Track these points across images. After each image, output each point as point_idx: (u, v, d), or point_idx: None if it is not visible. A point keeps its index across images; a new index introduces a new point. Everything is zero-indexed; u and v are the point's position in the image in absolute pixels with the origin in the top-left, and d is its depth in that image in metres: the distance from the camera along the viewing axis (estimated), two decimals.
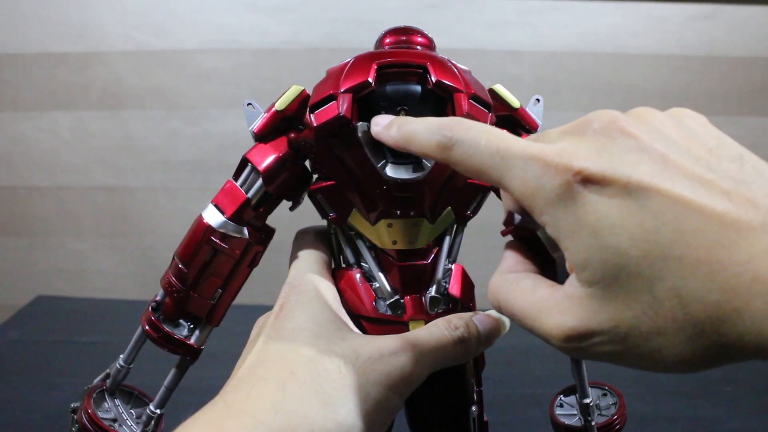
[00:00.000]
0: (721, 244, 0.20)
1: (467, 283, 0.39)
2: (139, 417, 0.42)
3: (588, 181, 0.23)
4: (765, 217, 0.20)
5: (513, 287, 0.28)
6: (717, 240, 0.21)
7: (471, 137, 0.26)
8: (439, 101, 0.34)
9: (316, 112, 0.34)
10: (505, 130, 0.27)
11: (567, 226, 0.23)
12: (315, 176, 0.39)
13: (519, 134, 0.39)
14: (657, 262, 0.21)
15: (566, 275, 0.25)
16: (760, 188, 0.21)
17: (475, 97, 0.35)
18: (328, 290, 0.36)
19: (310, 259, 0.38)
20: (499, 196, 0.40)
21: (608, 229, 0.22)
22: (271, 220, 0.40)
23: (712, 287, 0.20)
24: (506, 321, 0.37)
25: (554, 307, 0.25)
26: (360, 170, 0.35)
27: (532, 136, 0.31)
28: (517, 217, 0.31)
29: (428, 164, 0.34)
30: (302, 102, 0.37)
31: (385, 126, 0.31)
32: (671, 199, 0.21)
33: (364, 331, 0.37)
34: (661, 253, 0.21)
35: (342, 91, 0.34)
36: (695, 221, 0.21)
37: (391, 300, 0.37)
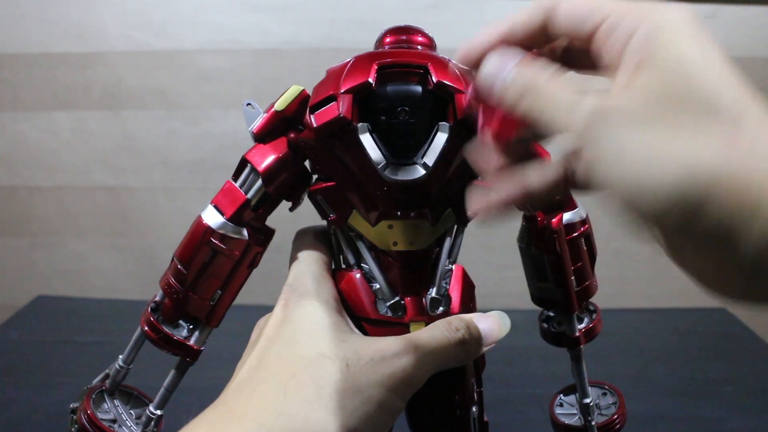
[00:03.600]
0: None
1: (468, 284, 0.39)
2: (138, 417, 0.42)
3: None
4: None
5: (544, 74, 0.27)
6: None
7: None
8: (439, 102, 0.34)
9: (316, 112, 0.34)
10: None
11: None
12: (315, 177, 0.39)
13: None
14: (720, 100, 0.22)
15: None
16: None
17: None
18: (329, 291, 0.36)
19: (310, 260, 0.38)
20: None
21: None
22: (271, 221, 0.40)
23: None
24: (507, 322, 0.37)
25: (598, 95, 0.24)
26: (360, 171, 0.35)
27: None
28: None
29: (429, 165, 0.34)
30: (302, 102, 0.37)
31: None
32: None
33: (365, 332, 0.37)
34: (722, 95, 0.22)
35: (342, 91, 0.33)
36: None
37: (392, 301, 0.37)
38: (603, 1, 0.26)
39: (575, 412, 0.46)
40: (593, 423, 0.45)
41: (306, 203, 0.40)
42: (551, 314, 0.45)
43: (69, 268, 1.07)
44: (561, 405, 0.47)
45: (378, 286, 0.37)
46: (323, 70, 0.37)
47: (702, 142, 0.22)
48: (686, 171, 0.21)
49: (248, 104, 0.38)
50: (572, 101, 0.25)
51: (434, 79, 0.33)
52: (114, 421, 0.41)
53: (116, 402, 0.42)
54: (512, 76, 0.27)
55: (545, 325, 0.45)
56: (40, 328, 0.91)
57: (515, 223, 0.42)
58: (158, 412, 0.41)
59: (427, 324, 0.36)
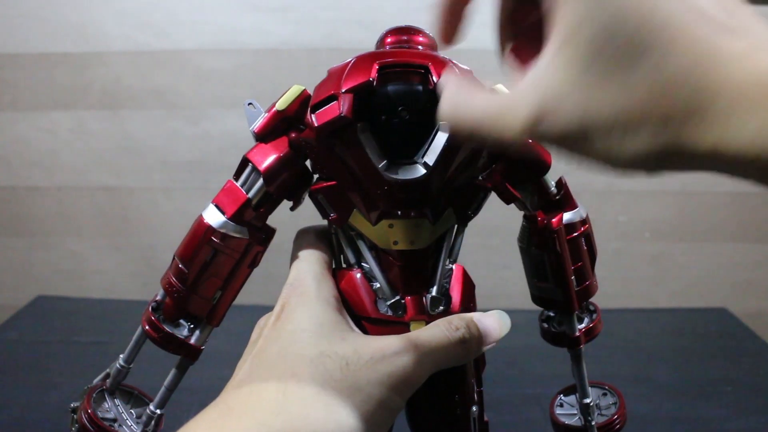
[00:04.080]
0: (710, 40, 0.21)
1: (468, 284, 0.39)
2: (139, 417, 0.42)
3: None
4: (751, 41, 0.22)
5: (473, 92, 0.27)
6: (708, 35, 0.21)
7: None
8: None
9: (317, 112, 0.34)
10: None
11: None
12: (316, 176, 0.39)
13: None
14: (651, 34, 0.22)
15: None
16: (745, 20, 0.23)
17: None
18: (329, 291, 0.36)
19: (311, 259, 0.38)
20: (500, 196, 0.40)
21: None
22: (272, 220, 0.40)
23: (694, 70, 0.21)
24: (507, 321, 0.37)
25: (528, 87, 0.24)
26: (361, 170, 0.35)
27: None
28: None
29: (429, 164, 0.34)
30: (303, 102, 0.37)
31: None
32: None
33: (365, 331, 0.37)
34: (655, 28, 0.22)
35: (343, 91, 0.33)
36: (692, 16, 0.22)
37: (392, 300, 0.37)
38: None
39: (575, 412, 0.46)
40: (593, 423, 0.45)
41: (307, 203, 0.40)
42: (551, 314, 0.45)
43: (68, 269, 1.07)
44: (561, 405, 0.47)
45: (378, 285, 0.37)
46: (323, 70, 0.37)
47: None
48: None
49: (249, 104, 0.38)
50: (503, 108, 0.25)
51: (435, 79, 0.33)
52: (114, 420, 0.41)
53: (117, 401, 0.42)
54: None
55: (545, 325, 0.45)
56: (40, 328, 0.91)
57: (515, 223, 0.42)
58: (159, 412, 0.41)
59: (427, 323, 0.36)
